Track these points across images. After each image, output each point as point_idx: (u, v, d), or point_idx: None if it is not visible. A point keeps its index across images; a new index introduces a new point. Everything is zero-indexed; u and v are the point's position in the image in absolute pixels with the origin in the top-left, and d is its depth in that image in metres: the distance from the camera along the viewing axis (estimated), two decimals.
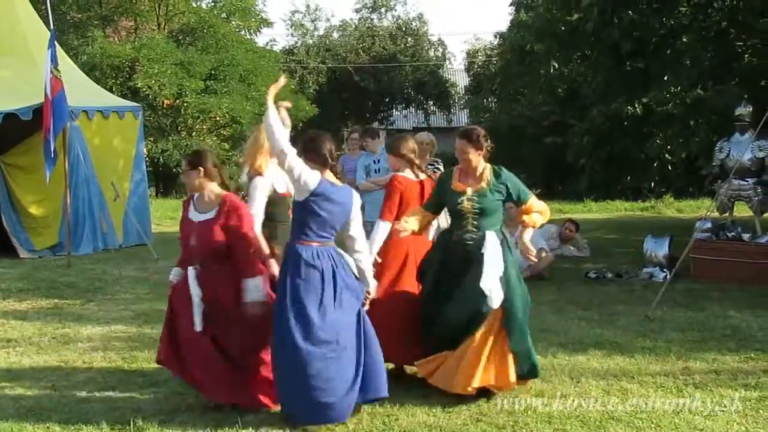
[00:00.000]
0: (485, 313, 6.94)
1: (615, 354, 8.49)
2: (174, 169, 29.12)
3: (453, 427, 6.53)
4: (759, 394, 7.17)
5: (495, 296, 6.85)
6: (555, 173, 30.60)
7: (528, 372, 7.20)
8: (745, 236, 12.54)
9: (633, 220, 22.06)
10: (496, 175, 7.22)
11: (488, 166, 7.24)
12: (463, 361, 6.95)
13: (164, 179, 32.03)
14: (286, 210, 7.35)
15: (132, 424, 6.68)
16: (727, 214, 13.71)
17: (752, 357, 8.35)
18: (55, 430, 6.66)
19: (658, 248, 13.20)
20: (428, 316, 7.29)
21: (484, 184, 7.18)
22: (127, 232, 17.16)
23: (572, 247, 15.16)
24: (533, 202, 7.29)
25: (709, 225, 12.93)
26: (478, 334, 6.93)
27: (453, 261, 7.18)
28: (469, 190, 7.18)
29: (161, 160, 29.26)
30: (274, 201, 7.43)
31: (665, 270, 12.61)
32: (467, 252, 7.09)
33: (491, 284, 6.86)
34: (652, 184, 25.81)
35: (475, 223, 7.17)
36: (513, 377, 7.04)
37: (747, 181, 13.27)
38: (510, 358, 7.02)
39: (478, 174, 7.22)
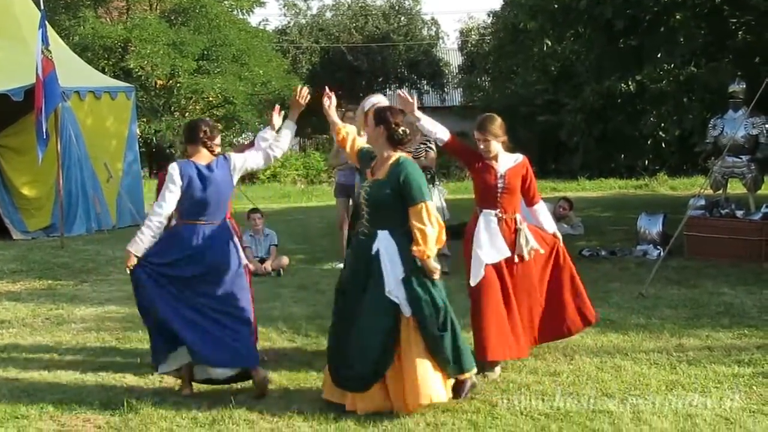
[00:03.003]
0: (394, 325, 6.36)
1: (609, 331, 8.51)
2: (167, 150, 29.07)
3: (446, 405, 6.53)
4: (752, 371, 7.19)
5: (402, 302, 6.33)
6: (549, 151, 30.60)
7: (460, 370, 6.55)
8: (739, 213, 12.54)
9: (627, 197, 22.08)
10: (395, 166, 6.42)
11: (396, 155, 6.49)
12: (397, 384, 6.39)
13: (157, 160, 31.96)
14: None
15: (125, 404, 6.69)
16: (720, 191, 13.70)
17: (745, 333, 8.37)
18: (49, 410, 6.67)
19: (651, 226, 13.21)
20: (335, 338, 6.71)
21: (381, 176, 6.49)
22: (121, 213, 17.14)
23: (566, 225, 15.14)
24: (416, 214, 6.31)
25: (702, 202, 12.93)
26: (401, 353, 6.38)
27: (357, 263, 6.58)
28: (370, 180, 6.61)
29: (154, 140, 29.22)
30: None
31: (659, 247, 12.63)
32: (363, 250, 6.49)
33: (396, 290, 6.33)
34: (646, 161, 25.78)
35: (368, 217, 6.54)
36: (442, 388, 6.45)
37: (740, 158, 13.25)
38: (437, 368, 6.44)
39: (387, 163, 6.51)
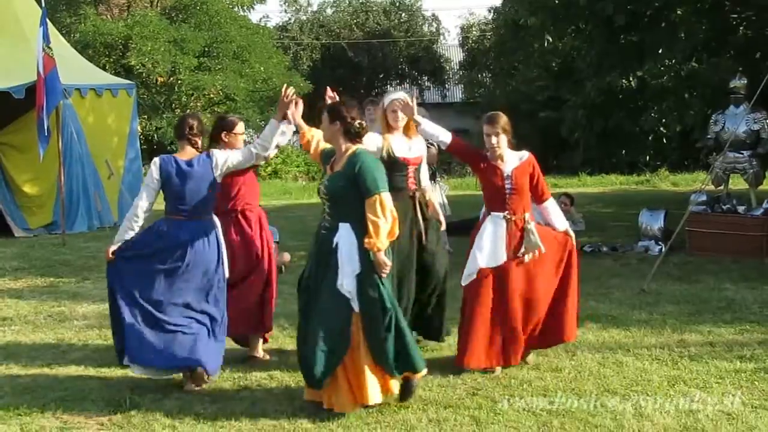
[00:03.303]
0: (347, 321, 6.27)
1: (610, 327, 8.52)
2: (168, 147, 29.05)
3: (449, 401, 6.56)
4: (754, 366, 7.20)
5: (353, 297, 6.25)
6: (550, 148, 30.55)
7: (406, 370, 6.38)
8: (740, 209, 12.54)
9: (628, 193, 22.07)
10: (351, 157, 6.33)
11: (353, 147, 6.40)
12: (345, 383, 6.33)
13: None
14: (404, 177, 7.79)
15: (128, 401, 6.71)
16: (722, 187, 13.70)
17: (747, 329, 8.38)
18: (52, 407, 6.68)
19: (653, 221, 13.21)
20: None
21: (339, 168, 6.40)
22: (122, 210, 17.08)
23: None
24: (371, 206, 6.18)
25: (704, 198, 12.92)
26: (350, 353, 6.28)
27: (319, 256, 6.49)
28: (329, 174, 6.51)
29: (155, 137, 29.19)
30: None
31: (660, 243, 12.64)
32: (325, 244, 6.38)
33: (348, 284, 6.25)
34: (647, 157, 25.77)
35: (329, 210, 6.46)
36: (378, 391, 6.31)
37: (742, 154, 13.24)
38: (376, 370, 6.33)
39: (345, 156, 6.42)
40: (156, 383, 7.12)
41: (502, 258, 7.15)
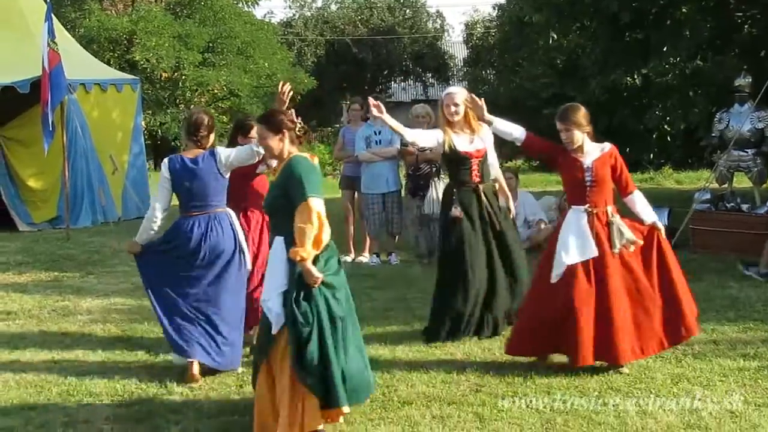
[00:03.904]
0: (268, 340, 5.77)
1: None
2: (173, 142, 29.06)
3: (452, 398, 6.56)
4: (758, 364, 7.20)
5: (274, 314, 5.67)
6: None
7: (330, 402, 5.65)
8: (744, 207, 12.52)
9: None
10: (285, 166, 5.79)
11: (292, 155, 5.84)
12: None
13: (162, 152, 31.93)
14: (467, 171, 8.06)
15: (132, 395, 6.72)
16: (726, 185, 13.69)
17: (751, 327, 8.37)
18: (56, 401, 6.70)
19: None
20: None
21: (275, 178, 5.91)
22: (126, 205, 17.14)
23: None
24: (299, 213, 5.56)
25: (708, 196, 12.92)
26: (266, 367, 5.82)
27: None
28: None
29: (159, 133, 29.20)
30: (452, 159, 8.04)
31: None
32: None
33: (271, 301, 5.69)
34: (651, 155, 25.74)
35: (271, 224, 6.12)
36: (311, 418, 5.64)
37: (746, 152, 13.25)
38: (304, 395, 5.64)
39: (281, 165, 5.90)
40: (159, 378, 7.14)
41: (593, 252, 6.97)
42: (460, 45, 47.13)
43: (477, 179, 8.15)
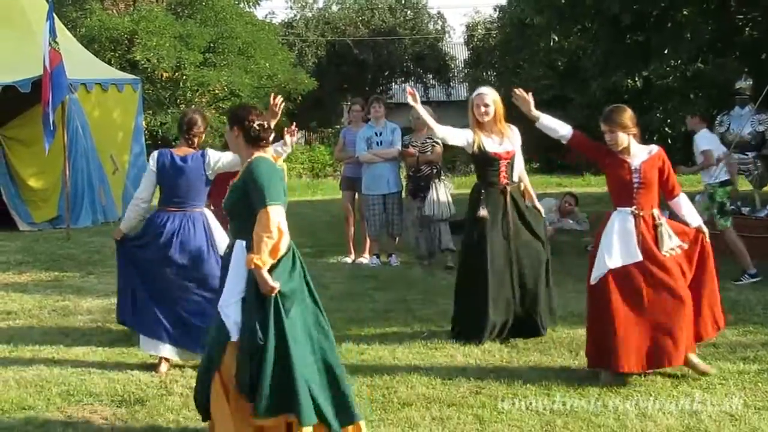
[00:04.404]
0: (221, 349, 5.48)
1: None
2: (173, 143, 29.05)
3: (452, 399, 6.57)
4: (757, 368, 7.20)
5: (232, 322, 5.42)
6: (554, 147, 30.52)
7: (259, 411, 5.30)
8: (745, 210, 12.53)
9: None
10: (246, 168, 5.52)
11: (254, 155, 5.54)
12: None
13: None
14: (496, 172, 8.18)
15: (132, 395, 6.72)
16: None
17: (751, 330, 8.38)
18: (56, 401, 6.70)
19: None
20: None
21: (236, 179, 5.60)
22: (127, 205, 17.10)
23: (571, 221, 15.17)
24: (258, 220, 5.30)
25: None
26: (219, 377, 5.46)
27: (221, 276, 5.80)
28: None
29: (160, 133, 29.18)
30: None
31: None
32: (224, 262, 5.67)
33: (229, 307, 5.45)
34: None
35: (230, 227, 5.83)
36: None
37: (747, 155, 13.23)
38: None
39: (244, 166, 5.62)
40: (159, 378, 7.15)
41: (636, 256, 6.87)
42: (461, 46, 47.13)
43: (505, 180, 8.22)
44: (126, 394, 6.81)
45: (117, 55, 29.39)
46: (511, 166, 8.26)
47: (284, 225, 5.39)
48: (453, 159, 28.61)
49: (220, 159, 7.38)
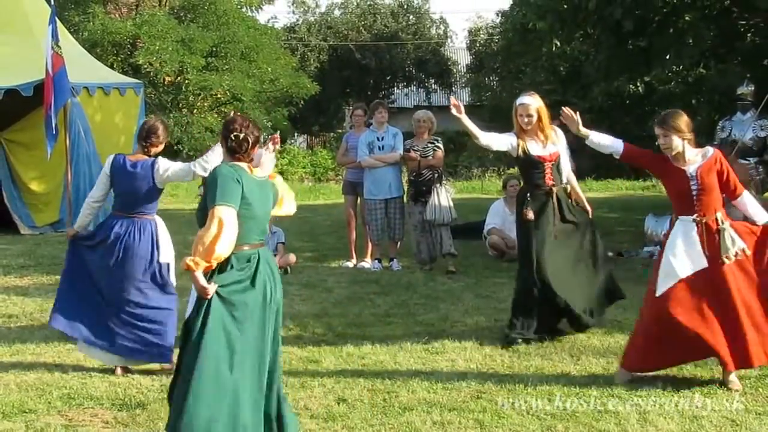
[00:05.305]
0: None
1: (615, 332, 8.52)
2: (175, 147, 29.09)
3: (453, 404, 6.57)
4: (758, 372, 7.19)
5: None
6: None
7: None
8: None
9: (634, 199, 22.07)
10: (209, 174, 5.44)
11: (231, 163, 5.48)
12: None
13: (165, 156, 31.85)
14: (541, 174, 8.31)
15: (133, 399, 6.72)
16: None
17: None
18: (57, 405, 6.70)
19: (659, 227, 13.19)
20: None
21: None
22: None
23: None
24: (207, 219, 5.15)
25: None
26: None
27: None
28: None
29: None
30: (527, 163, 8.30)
31: None
32: None
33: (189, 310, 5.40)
34: None
35: None
36: None
37: (748, 161, 13.23)
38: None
39: None
40: (160, 382, 7.14)
41: (702, 263, 6.78)
42: (464, 51, 47.18)
43: (550, 182, 8.34)
44: (127, 397, 6.81)
45: (119, 59, 29.46)
46: (556, 168, 8.37)
47: (231, 229, 5.13)
48: (454, 164, 28.64)
49: (169, 168, 7.45)
